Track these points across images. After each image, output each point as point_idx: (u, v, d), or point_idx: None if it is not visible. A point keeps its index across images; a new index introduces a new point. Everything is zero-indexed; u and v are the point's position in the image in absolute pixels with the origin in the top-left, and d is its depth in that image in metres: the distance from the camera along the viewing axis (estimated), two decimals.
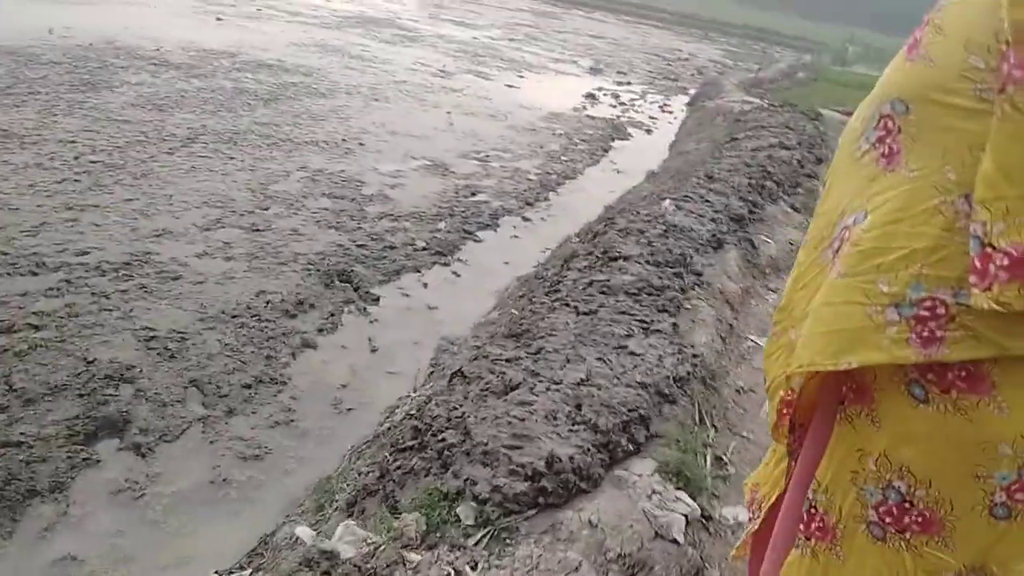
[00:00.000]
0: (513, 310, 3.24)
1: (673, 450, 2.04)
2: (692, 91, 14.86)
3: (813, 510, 1.00)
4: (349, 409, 3.24)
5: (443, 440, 2.04)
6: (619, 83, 15.12)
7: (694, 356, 2.54)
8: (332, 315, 4.00)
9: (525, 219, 6.11)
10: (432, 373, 3.29)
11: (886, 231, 0.87)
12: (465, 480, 1.85)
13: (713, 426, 2.50)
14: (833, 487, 0.97)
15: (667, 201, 4.22)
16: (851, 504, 0.95)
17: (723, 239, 3.81)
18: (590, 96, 12.74)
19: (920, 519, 0.90)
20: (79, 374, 3.10)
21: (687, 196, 4.40)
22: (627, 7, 44.05)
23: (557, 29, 25.24)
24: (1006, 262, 0.78)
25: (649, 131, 10.77)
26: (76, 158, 5.64)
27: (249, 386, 3.26)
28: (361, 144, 7.38)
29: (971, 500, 0.87)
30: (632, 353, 2.47)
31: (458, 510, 1.79)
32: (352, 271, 4.49)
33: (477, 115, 9.71)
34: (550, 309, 2.96)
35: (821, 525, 0.99)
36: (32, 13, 11.01)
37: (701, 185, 4.77)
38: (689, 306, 3.01)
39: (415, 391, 3.12)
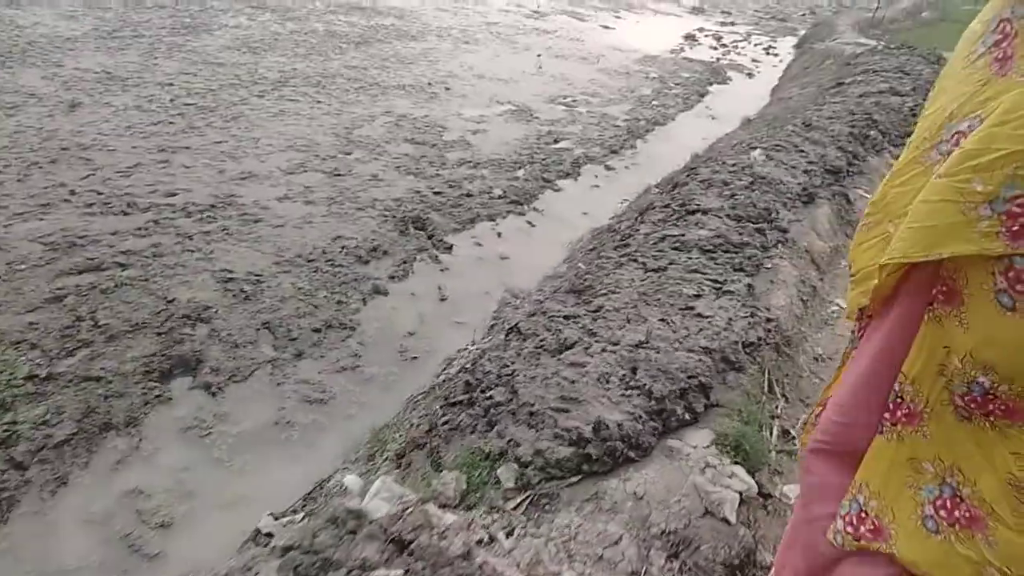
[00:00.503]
0: (580, 264, 3.11)
1: (734, 421, 1.90)
2: (802, 32, 13.89)
3: (899, 400, 1.06)
4: (414, 357, 3.24)
5: (491, 398, 1.98)
6: (722, 24, 14.30)
7: (768, 320, 2.35)
8: (405, 262, 4.00)
9: (608, 168, 5.90)
10: (493, 326, 3.23)
11: (990, 133, 0.90)
12: (508, 441, 1.79)
13: (784, 396, 2.33)
14: (920, 379, 1.03)
15: (757, 151, 3.92)
16: (939, 392, 1.01)
17: (815, 193, 3.48)
18: (690, 37, 12.12)
19: (1003, 407, 0.95)
20: (158, 312, 3.22)
21: (779, 145, 4.07)
22: None
23: None
24: None
25: (751, 75, 10.15)
26: (172, 100, 5.83)
27: (319, 330, 3.31)
28: (447, 88, 7.29)
29: None
30: (699, 315, 2.31)
31: (499, 471, 1.73)
32: (427, 218, 4.47)
33: (568, 58, 9.41)
34: (617, 264, 2.81)
35: (908, 412, 1.05)
36: None
37: (797, 134, 4.39)
38: (770, 265, 2.77)
39: (473, 344, 3.07)
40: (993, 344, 0.93)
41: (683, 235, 2.94)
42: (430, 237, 4.32)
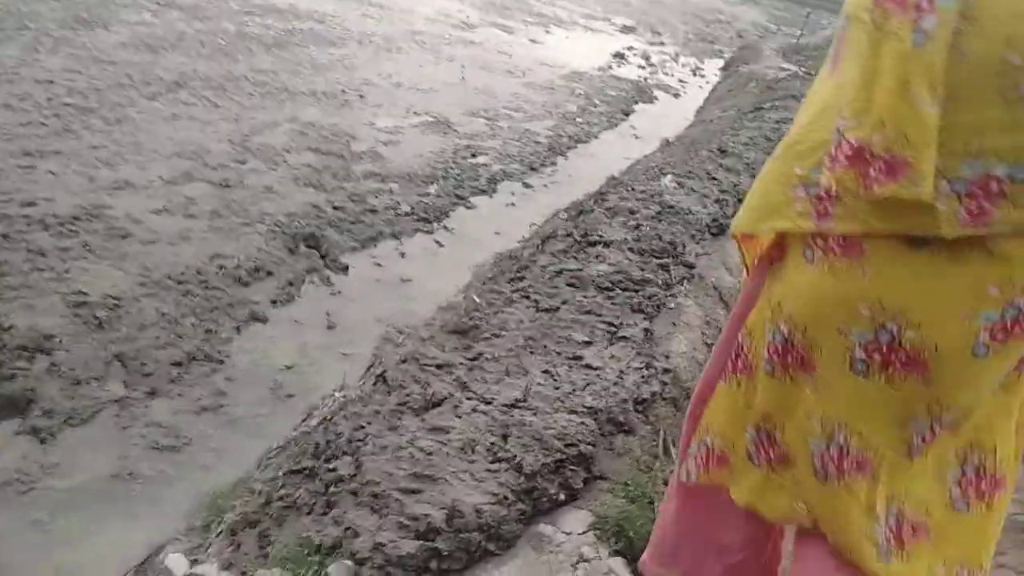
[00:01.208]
0: (474, 296, 2.84)
1: (619, 498, 1.64)
2: (728, 55, 14.10)
3: (741, 349, 1.18)
4: (288, 395, 2.90)
5: (334, 470, 1.68)
6: (651, 43, 14.39)
7: (666, 371, 2.12)
8: (291, 284, 3.64)
9: (526, 185, 5.67)
10: (369, 367, 2.92)
11: (809, 124, 1.05)
12: (346, 529, 1.49)
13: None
14: (754, 331, 1.16)
15: (667, 177, 3.75)
16: (759, 345, 1.14)
17: (726, 224, 3.33)
18: (618, 56, 12.09)
19: (799, 359, 1.05)
20: None
21: (692, 172, 3.91)
22: None
23: None
24: (848, 152, 0.95)
25: (677, 95, 10.16)
26: (49, 100, 5.30)
27: (180, 364, 2.92)
28: (361, 96, 6.94)
29: (836, 351, 1.02)
30: (588, 366, 2.06)
31: (329, 569, 1.43)
32: (322, 236, 4.11)
33: (493, 71, 9.19)
34: (508, 301, 2.56)
35: (744, 363, 1.18)
36: None
37: (711, 159, 4.26)
38: (673, 305, 2.56)
39: (341, 389, 2.75)
40: (795, 293, 1.05)
41: (581, 270, 2.70)
42: (323, 256, 3.97)
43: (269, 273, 3.68)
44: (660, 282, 2.66)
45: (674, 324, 2.45)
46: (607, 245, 2.88)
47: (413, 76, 8.08)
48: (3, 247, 3.43)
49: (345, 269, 3.89)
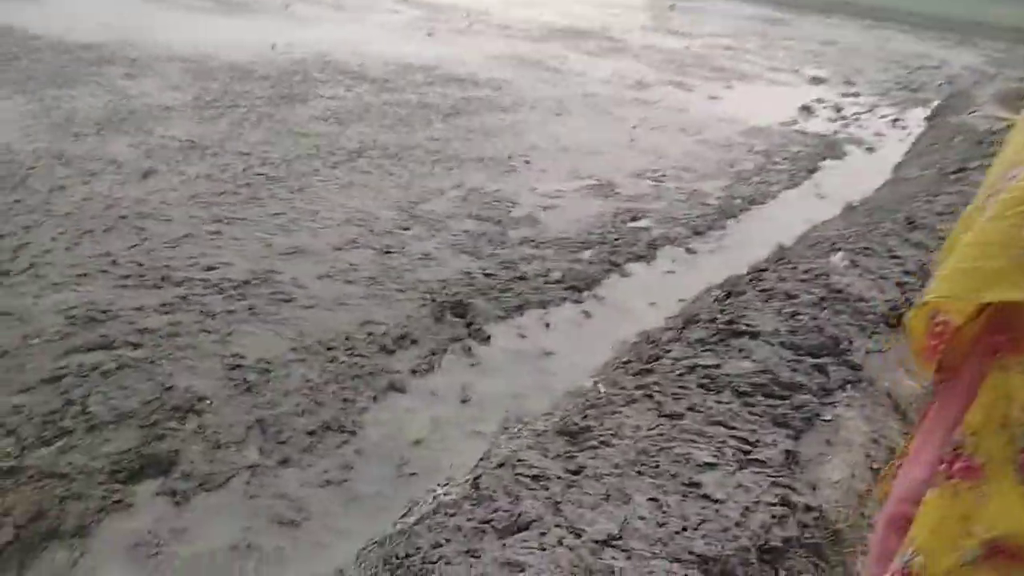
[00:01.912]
0: (600, 386, 2.61)
1: None
2: (935, 103, 12.81)
3: (959, 451, 1.03)
4: (412, 474, 2.81)
5: None
6: (844, 94, 13.44)
7: (808, 509, 1.73)
8: (433, 354, 3.61)
9: (689, 251, 5.34)
10: (481, 460, 2.75)
11: None
12: None
13: None
14: (982, 431, 1.00)
15: (839, 254, 3.29)
16: (1001, 447, 0.97)
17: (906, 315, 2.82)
18: (805, 109, 11.38)
19: None
20: (150, 402, 2.98)
21: (869, 248, 3.41)
22: (867, 10, 40.05)
23: (784, 36, 23.36)
24: None
25: (871, 149, 9.31)
26: (244, 170, 5.84)
27: (314, 432, 2.95)
28: (527, 161, 7.01)
29: None
30: (705, 496, 1.74)
31: None
32: (469, 304, 4.08)
33: (665, 129, 8.97)
34: (628, 399, 2.30)
35: (967, 466, 1.01)
36: (261, 30, 12.07)
37: (896, 232, 3.70)
38: (829, 418, 2.14)
39: (445, 485, 2.59)
40: None
41: (718, 366, 2.38)
42: (468, 325, 3.92)
43: (414, 341, 3.68)
44: (814, 387, 2.25)
45: (828, 443, 2.03)
46: (755, 336, 2.52)
47: (581, 139, 8.07)
48: (180, 308, 3.73)
49: (488, 339, 3.81)
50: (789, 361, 2.37)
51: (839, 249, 3.42)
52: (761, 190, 6.94)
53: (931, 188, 5.19)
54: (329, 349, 3.52)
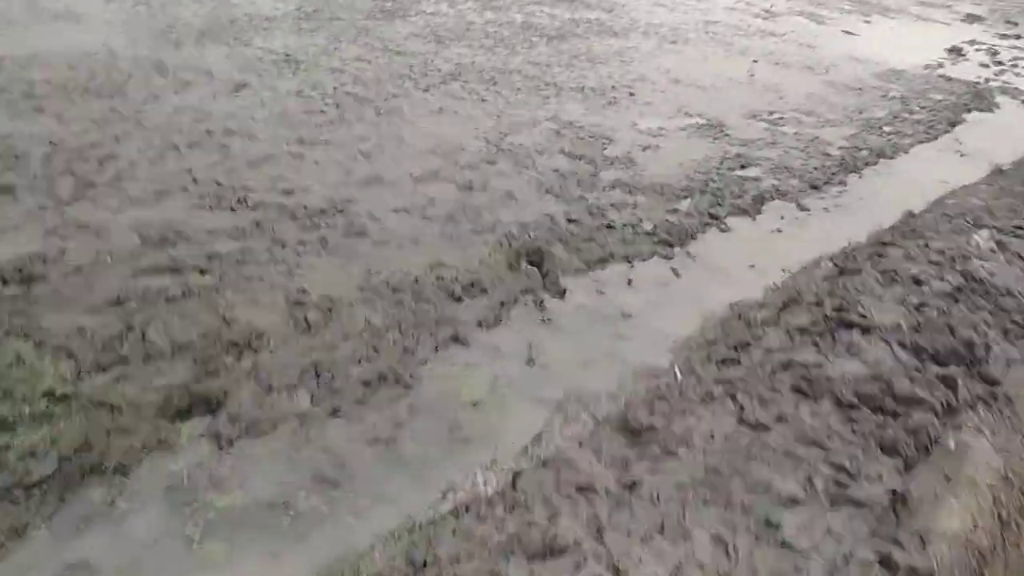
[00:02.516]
0: (678, 369, 2.29)
1: None
2: None
3: None
4: (465, 440, 2.63)
5: None
6: (1003, 35, 11.86)
7: (913, 573, 1.39)
8: (502, 305, 3.38)
9: (802, 207, 4.81)
10: (530, 445, 2.49)
11: None
12: None
13: None
14: None
15: (983, 232, 2.76)
16: None
17: None
18: (955, 51, 10.11)
19: None
20: (207, 335, 2.91)
21: (1020, 228, 2.83)
22: None
23: None
24: None
25: None
26: (336, 88, 5.67)
27: (369, 383, 2.81)
28: (631, 94, 6.50)
29: None
30: (784, 544, 1.42)
31: None
32: (548, 252, 3.80)
33: (789, 66, 8.15)
34: (705, 396, 1.97)
35: None
36: None
37: None
38: (952, 444, 1.75)
39: (486, 468, 2.36)
40: None
41: (820, 366, 2.01)
42: (544, 276, 3.65)
43: (484, 290, 3.46)
44: (937, 404, 1.84)
45: (948, 479, 1.65)
46: (867, 332, 2.11)
47: (694, 72, 7.42)
48: (253, 235, 3.64)
49: (563, 294, 3.53)
50: (909, 367, 1.95)
51: (983, 226, 2.87)
52: (892, 142, 6.18)
53: None
54: (395, 291, 3.34)
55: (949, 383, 1.96)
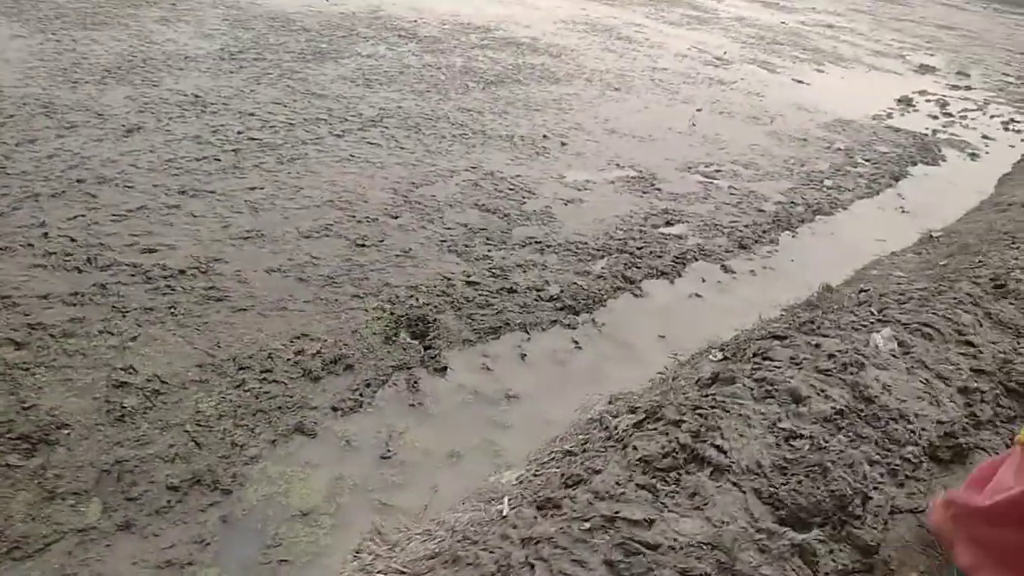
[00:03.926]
0: (507, 502, 1.88)
1: None
2: None
3: None
4: (281, 561, 2.19)
5: None
6: (954, 86, 11.93)
7: None
8: (368, 386, 2.97)
9: (726, 269, 4.49)
10: (357, 555, 2.06)
11: None
12: None
13: None
14: None
15: (885, 332, 2.40)
16: None
17: (968, 444, 1.82)
18: (904, 101, 10.07)
19: None
20: (5, 422, 2.45)
21: (929, 327, 2.47)
22: None
23: (897, 16, 21.33)
24: None
25: (974, 155, 8.05)
26: (240, 133, 5.29)
27: (178, 488, 2.37)
28: (563, 143, 6.22)
29: None
30: None
31: None
32: (435, 321, 3.41)
33: (734, 116, 7.96)
34: (500, 565, 1.55)
35: None
36: None
37: (973, 301, 2.69)
38: None
39: None
40: None
41: (649, 524, 1.59)
42: (426, 349, 3.26)
43: (349, 367, 3.05)
44: None
45: None
46: (720, 472, 1.68)
47: (633, 121, 7.18)
48: (92, 301, 3.20)
49: (444, 371, 3.14)
50: (761, 530, 1.55)
51: (888, 320, 2.51)
52: (831, 197, 5.94)
53: None
54: (242, 370, 2.92)
55: (807, 557, 1.55)
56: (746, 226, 5.11)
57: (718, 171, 6.15)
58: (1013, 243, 3.55)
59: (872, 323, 2.59)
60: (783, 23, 15.84)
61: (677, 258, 4.48)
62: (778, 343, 2.57)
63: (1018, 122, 9.92)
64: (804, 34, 14.70)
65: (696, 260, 4.53)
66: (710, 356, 2.92)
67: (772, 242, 4.99)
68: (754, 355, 2.51)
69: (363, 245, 4.03)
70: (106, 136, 4.87)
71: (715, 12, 15.64)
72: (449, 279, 3.82)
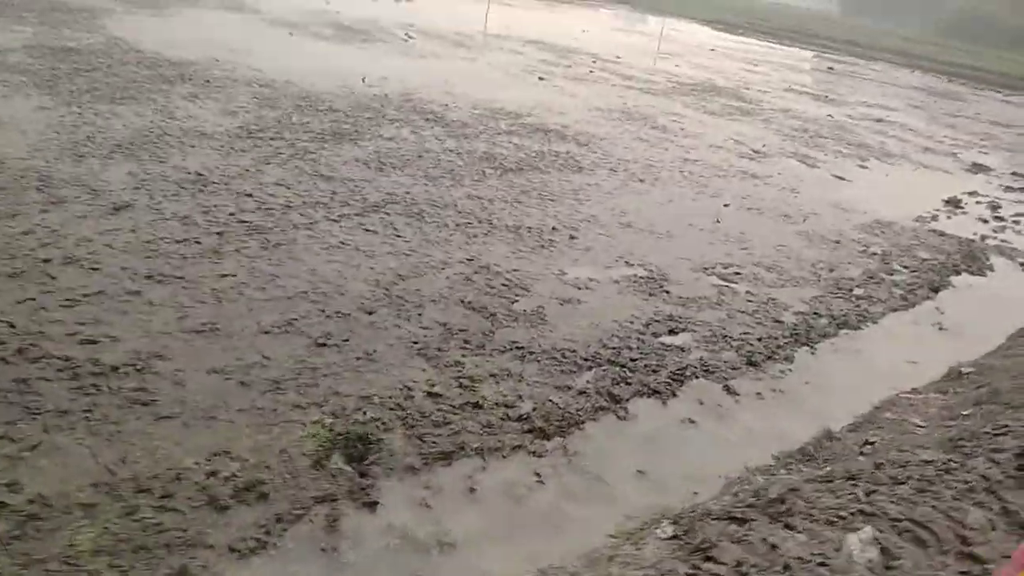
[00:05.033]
0: None
1: None
2: None
3: None
4: None
5: None
6: (1009, 187, 11.34)
7: None
8: (279, 521, 2.59)
9: (729, 390, 4.03)
10: None
11: None
12: None
13: None
14: None
15: (862, 534, 1.92)
16: None
17: None
18: (952, 202, 9.53)
19: None
20: None
21: (924, 527, 1.95)
22: None
23: (950, 112, 20.86)
24: None
25: None
26: (232, 214, 5.13)
27: None
28: (572, 236, 5.91)
29: None
30: None
31: None
32: (378, 442, 3.04)
33: (764, 212, 7.57)
34: None
35: None
36: (366, 61, 11.73)
37: (987, 487, 2.15)
38: None
39: None
40: None
41: None
42: (360, 476, 2.87)
43: (264, 496, 2.68)
44: None
45: None
46: None
47: (653, 214, 6.86)
48: (5, 399, 2.93)
49: (373, 506, 2.74)
50: None
51: (873, 512, 2.02)
52: (860, 309, 5.44)
53: None
54: (141, 492, 2.58)
55: None
56: (759, 339, 4.65)
57: (737, 274, 5.73)
58: None
59: (854, 513, 2.10)
60: (829, 116, 15.53)
61: (675, 374, 4.05)
62: (735, 528, 2.11)
63: None
64: (849, 127, 14.34)
65: (696, 377, 4.09)
66: (659, 532, 2.45)
67: (786, 359, 4.51)
68: (699, 546, 2.05)
69: (324, 344, 3.72)
70: (91, 213, 4.75)
71: (759, 104, 15.45)
72: (409, 389, 3.46)
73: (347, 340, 3.81)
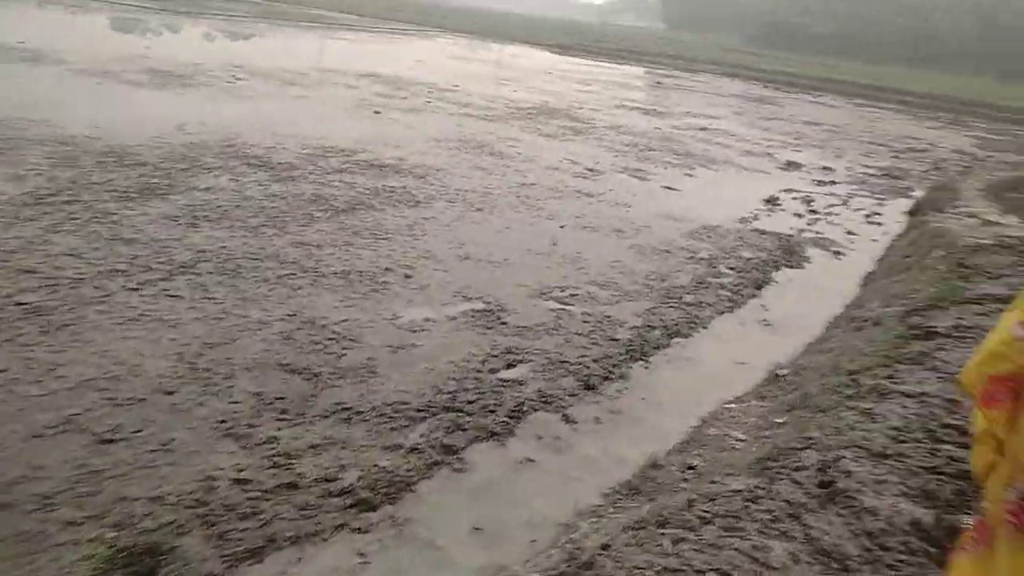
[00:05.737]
0: None
1: None
2: (918, 194, 11.61)
3: (980, 519, 1.18)
4: None
5: None
6: (819, 182, 12.29)
7: None
8: None
9: (567, 419, 3.94)
10: None
11: None
12: None
13: None
14: (991, 496, 1.14)
15: None
16: (996, 508, 1.11)
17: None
18: (771, 201, 10.17)
19: None
20: None
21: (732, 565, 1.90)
22: (862, 89, 39.92)
23: (766, 115, 22.60)
24: None
25: (839, 254, 8.01)
26: (9, 296, 4.49)
27: None
28: (407, 276, 5.68)
29: None
30: None
31: None
32: (171, 551, 2.65)
33: (598, 230, 7.69)
34: None
35: (982, 535, 1.15)
36: (185, 106, 11.01)
37: (791, 513, 2.07)
38: None
39: None
40: None
41: None
42: None
43: None
44: None
45: None
46: None
47: (491, 243, 6.76)
48: None
49: None
50: None
51: (678, 567, 1.93)
52: (690, 316, 5.57)
53: (884, 360, 3.63)
54: None
55: None
56: (595, 360, 4.61)
57: (573, 295, 5.72)
58: (854, 394, 3.10)
59: (660, 572, 1.98)
60: (657, 128, 16.31)
61: (512, 411, 3.90)
62: None
63: (879, 214, 10.14)
64: (676, 139, 15.11)
65: (535, 411, 3.96)
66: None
67: (622, 378, 4.49)
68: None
69: (110, 441, 3.26)
70: None
71: (591, 122, 15.97)
72: (212, 479, 3.08)
73: (139, 431, 3.36)
